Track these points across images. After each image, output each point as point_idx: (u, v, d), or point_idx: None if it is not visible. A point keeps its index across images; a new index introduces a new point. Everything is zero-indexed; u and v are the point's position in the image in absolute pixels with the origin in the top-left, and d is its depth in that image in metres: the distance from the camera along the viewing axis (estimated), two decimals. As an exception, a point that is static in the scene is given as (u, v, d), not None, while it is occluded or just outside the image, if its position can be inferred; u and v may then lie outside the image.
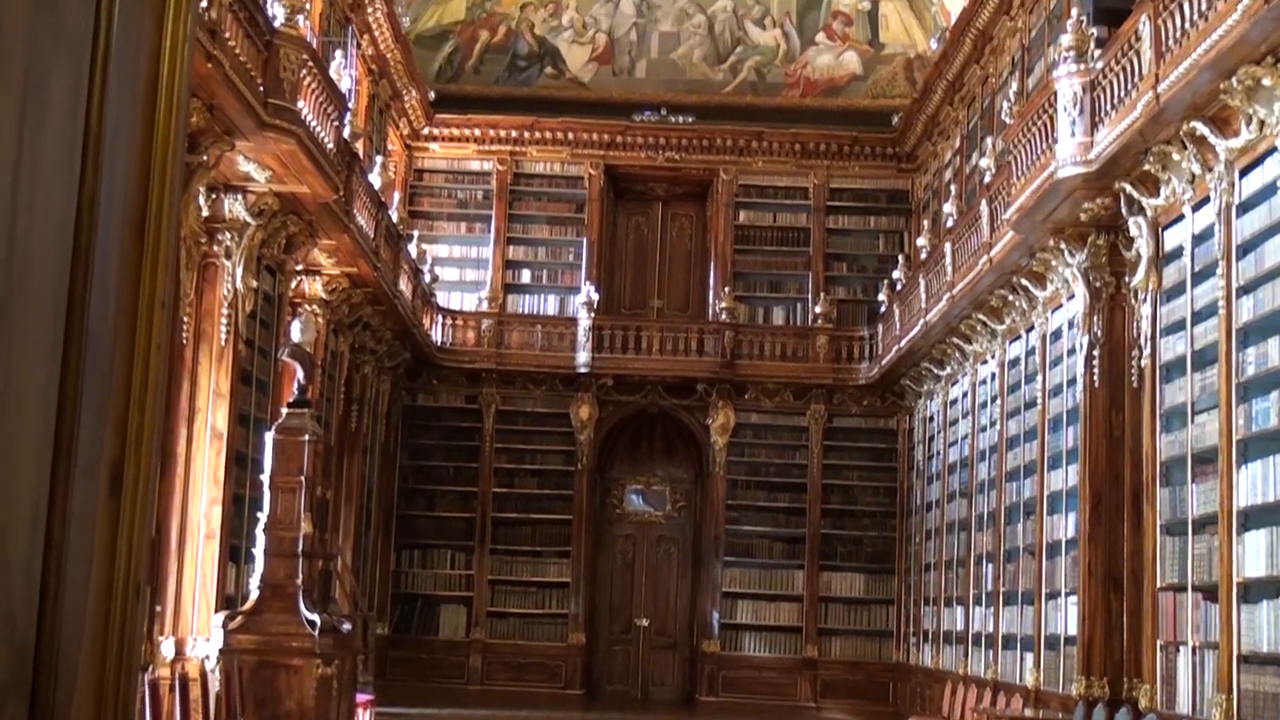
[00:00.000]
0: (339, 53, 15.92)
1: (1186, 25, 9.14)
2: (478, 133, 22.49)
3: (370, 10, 18.33)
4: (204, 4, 10.02)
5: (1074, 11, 11.81)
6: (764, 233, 22.71)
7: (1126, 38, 10.19)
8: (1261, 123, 8.81)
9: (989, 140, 15.97)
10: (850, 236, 22.63)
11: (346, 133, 14.91)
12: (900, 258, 20.86)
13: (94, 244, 1.52)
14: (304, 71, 12.06)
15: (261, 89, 11.36)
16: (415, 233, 20.77)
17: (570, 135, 22.52)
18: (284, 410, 11.34)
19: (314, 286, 15.78)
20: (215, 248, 12.30)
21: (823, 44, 22.72)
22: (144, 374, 1.61)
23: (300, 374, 11.43)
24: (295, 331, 11.94)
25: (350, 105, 15.65)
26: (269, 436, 11.18)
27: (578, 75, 22.97)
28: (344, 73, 15.42)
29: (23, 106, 1.38)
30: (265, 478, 11.00)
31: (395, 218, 18.59)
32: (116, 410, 1.58)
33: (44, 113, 1.42)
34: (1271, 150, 8.82)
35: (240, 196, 12.38)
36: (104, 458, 1.55)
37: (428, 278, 20.91)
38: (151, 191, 1.63)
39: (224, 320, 12.24)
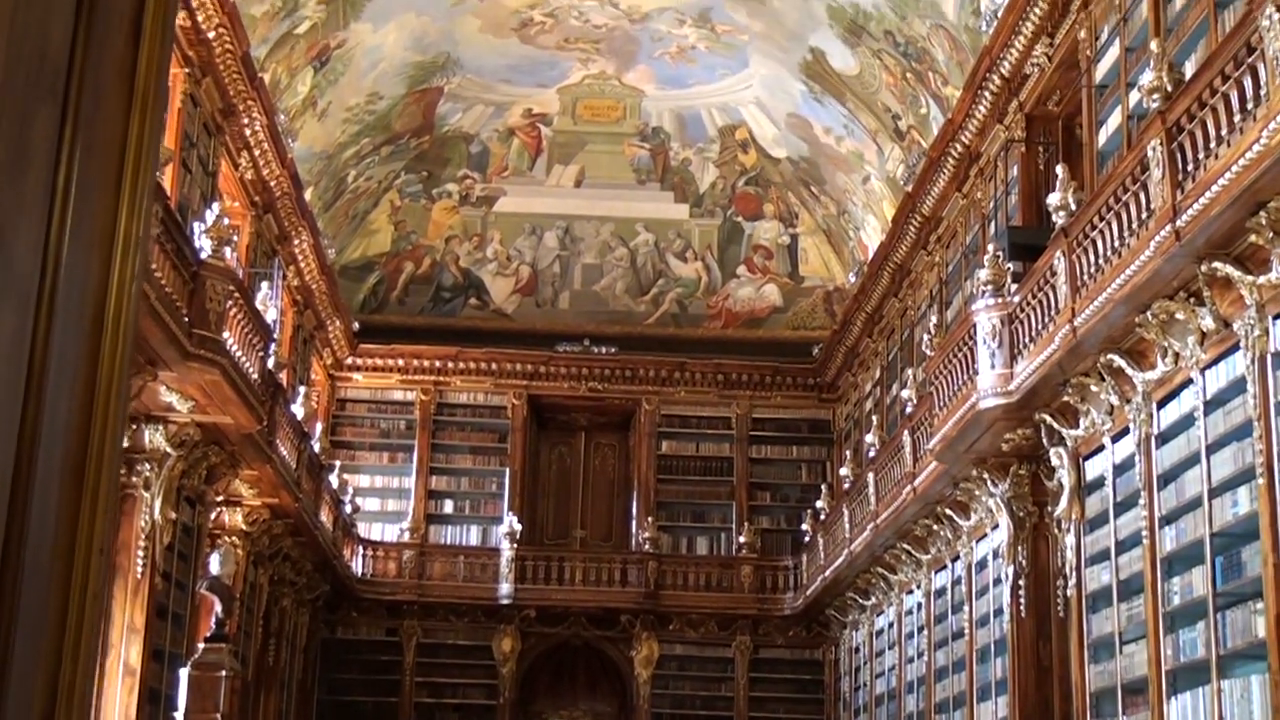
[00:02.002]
0: (265, 284, 15.98)
1: (1100, 261, 9.36)
2: (401, 363, 22.54)
3: (297, 242, 18.47)
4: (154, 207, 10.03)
5: (990, 247, 12.10)
6: (687, 462, 22.75)
7: (1042, 272, 10.42)
8: (1177, 355, 8.98)
9: (909, 371, 16.19)
10: (773, 466, 22.71)
11: (271, 363, 14.87)
12: (823, 487, 20.92)
13: (32, 486, 1.47)
14: (230, 303, 12.06)
15: (187, 319, 11.34)
16: (337, 463, 20.63)
17: (494, 365, 22.62)
18: (200, 645, 11.06)
19: (234, 518, 15.56)
20: (134, 479, 12.11)
21: (744, 277, 23.11)
22: (78, 623, 1.55)
23: (218, 608, 11.19)
24: (214, 564, 11.73)
25: (275, 336, 15.66)
26: (184, 673, 10.88)
27: (501, 306, 23.18)
28: (270, 303, 15.46)
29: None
30: (179, 716, 10.67)
31: (317, 448, 18.47)
32: (47, 661, 1.51)
33: (-13, 354, 1.39)
34: (1187, 382, 8.97)
35: (161, 427, 12.25)
36: (33, 713, 1.48)
37: (349, 508, 20.70)
38: (93, 432, 1.59)
39: (140, 553, 11.99)
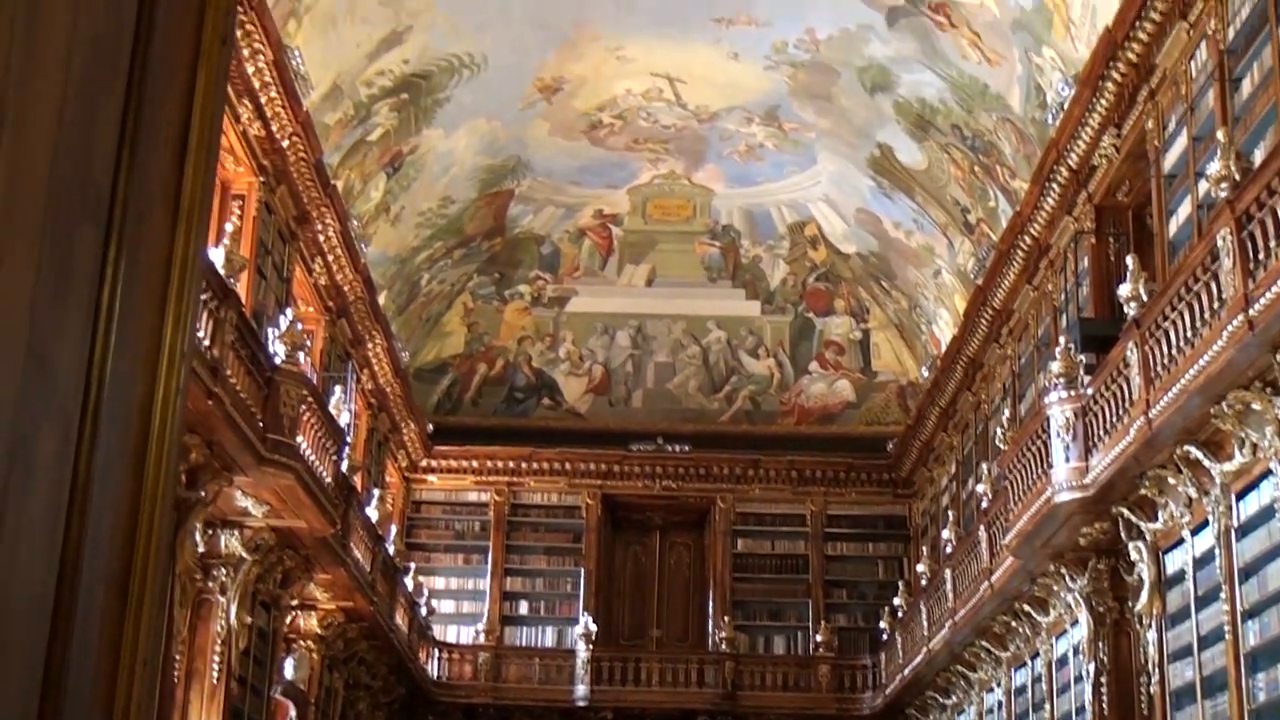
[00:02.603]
0: (339, 388, 16.12)
1: (1173, 351, 9.27)
2: (475, 464, 22.61)
3: (371, 346, 18.65)
4: (206, 343, 10.18)
5: (1062, 339, 12.02)
6: (762, 560, 22.60)
7: (1115, 364, 10.33)
8: (1255, 446, 8.84)
9: (984, 466, 16.04)
10: (849, 563, 22.51)
11: (345, 467, 14.97)
12: (900, 584, 20.69)
13: (76, 603, 1.48)
14: (303, 407, 12.18)
15: (261, 425, 11.45)
16: (412, 565, 20.64)
17: (567, 465, 22.64)
18: (275, 751, 11.05)
19: (309, 621, 15.59)
20: (210, 584, 12.18)
21: (816, 372, 23.07)
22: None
23: (293, 712, 11.19)
24: (289, 669, 11.75)
25: (349, 439, 15.77)
26: (259, 779, 10.87)
27: (574, 406, 23.24)
28: (343, 407, 15.59)
29: (7, 468, 1.36)
30: (254, 822, 10.65)
31: (392, 550, 18.51)
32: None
33: (30, 473, 1.40)
34: (1267, 473, 8.82)
35: (236, 531, 12.34)
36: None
37: (424, 610, 20.69)
38: (137, 548, 1.60)
39: (216, 658, 12.04)
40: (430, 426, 22.14)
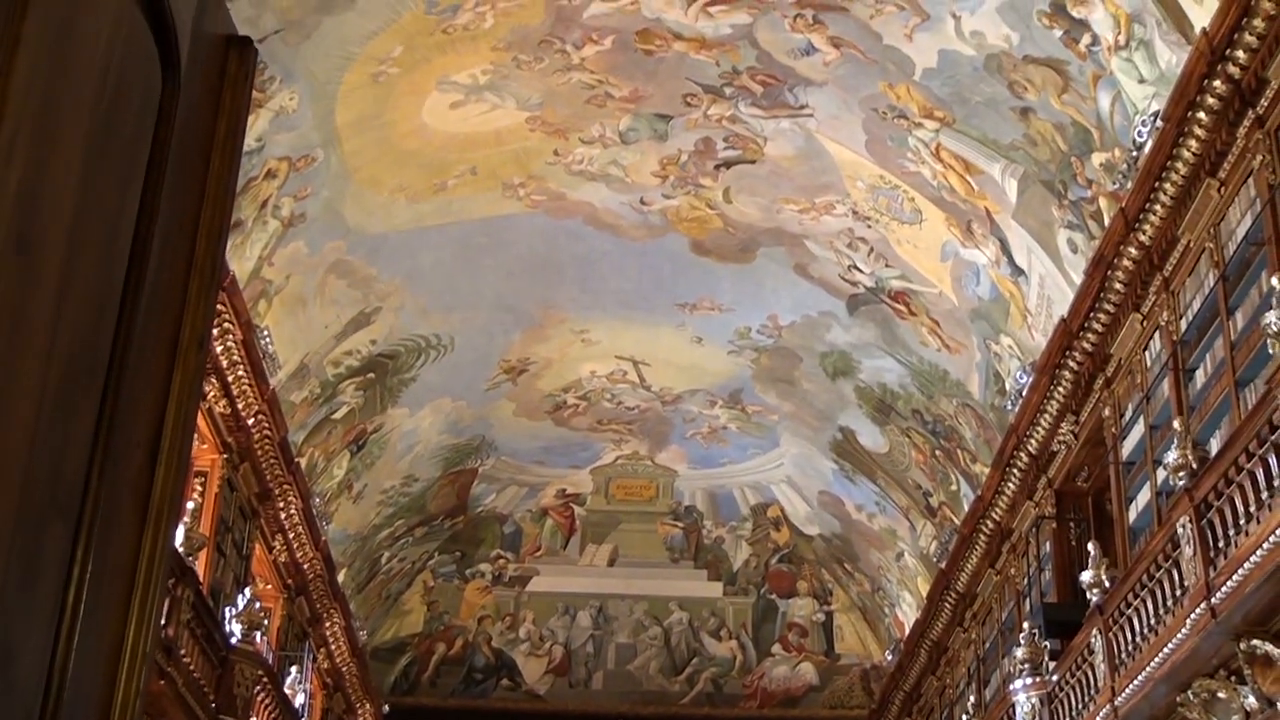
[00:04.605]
0: (294, 668, 15.84)
1: (1137, 639, 9.24)
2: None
3: (329, 624, 18.39)
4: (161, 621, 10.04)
5: (1025, 624, 11.97)
6: None
7: (1079, 651, 10.28)
8: (1224, 747, 8.75)
9: (950, 754, 15.77)
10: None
11: (297, 749, 14.61)
12: None
13: None
14: (258, 688, 11.96)
15: (214, 706, 11.21)
16: None
17: (526, 750, 22.12)
18: None
19: None
20: None
21: (779, 655, 22.82)
22: None
23: None
24: None
25: (303, 720, 15.43)
26: None
27: (534, 687, 22.86)
28: (299, 688, 15.30)
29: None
30: None
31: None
32: None
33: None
34: (1237, 760, 8.71)
35: (183, 818, 11.95)
36: None
37: None
38: None
39: None
40: (386, 708, 21.66)
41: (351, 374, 17.12)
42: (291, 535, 16.28)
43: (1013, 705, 11.30)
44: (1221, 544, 8.03)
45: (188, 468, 1.76)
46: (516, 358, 18.94)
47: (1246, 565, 7.61)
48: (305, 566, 16.96)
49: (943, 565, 16.90)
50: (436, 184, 15.31)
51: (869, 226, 15.27)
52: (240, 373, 13.33)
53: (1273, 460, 7.37)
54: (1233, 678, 8.46)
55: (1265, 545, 7.40)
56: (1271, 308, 7.49)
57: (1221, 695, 8.58)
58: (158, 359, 1.71)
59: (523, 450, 21.40)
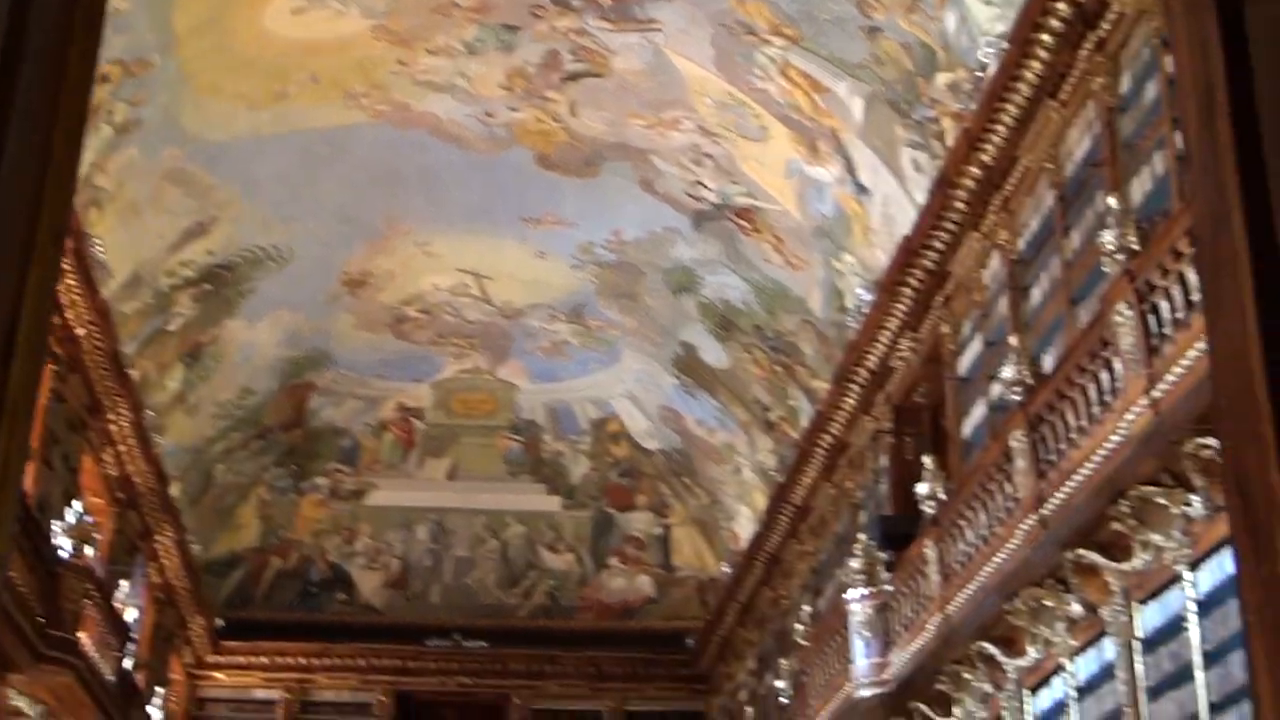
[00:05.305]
0: (125, 582, 15.57)
1: (970, 549, 9.48)
2: (264, 661, 21.90)
3: (160, 539, 18.09)
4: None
5: (861, 536, 12.20)
6: (560, 759, 22.20)
7: (914, 561, 10.52)
8: (1047, 642, 9.04)
9: (783, 661, 16.08)
10: (648, 760, 22.23)
11: (129, 664, 14.41)
12: (699, 782, 20.48)
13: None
14: (87, 602, 11.74)
15: (42, 620, 10.98)
16: (196, 767, 19.80)
17: (361, 661, 22.07)
18: None
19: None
20: (-20, 789, 11.54)
21: (616, 568, 23.01)
22: None
23: None
24: None
25: (133, 635, 15.21)
26: None
27: (370, 601, 22.78)
28: (129, 602, 15.07)
29: None
30: None
31: (176, 752, 17.75)
32: None
33: None
34: (1058, 669, 9.01)
35: (10, 733, 11.74)
36: None
37: (208, 815, 19.78)
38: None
39: None
40: (219, 622, 21.44)
41: (187, 284, 16.77)
42: (123, 448, 15.94)
43: (847, 615, 11.53)
44: (1053, 458, 8.24)
45: (42, 366, 1.69)
46: (357, 270, 18.71)
47: (1076, 478, 7.84)
48: (136, 480, 16.64)
49: (780, 479, 17.13)
50: (277, 92, 14.99)
51: (715, 143, 15.31)
52: (69, 281, 12.94)
53: (1104, 376, 7.58)
54: (1059, 586, 8.73)
55: (1094, 459, 7.62)
56: (1107, 227, 7.66)
57: (1048, 603, 8.86)
58: (13, 254, 1.63)
59: (362, 363, 21.19)
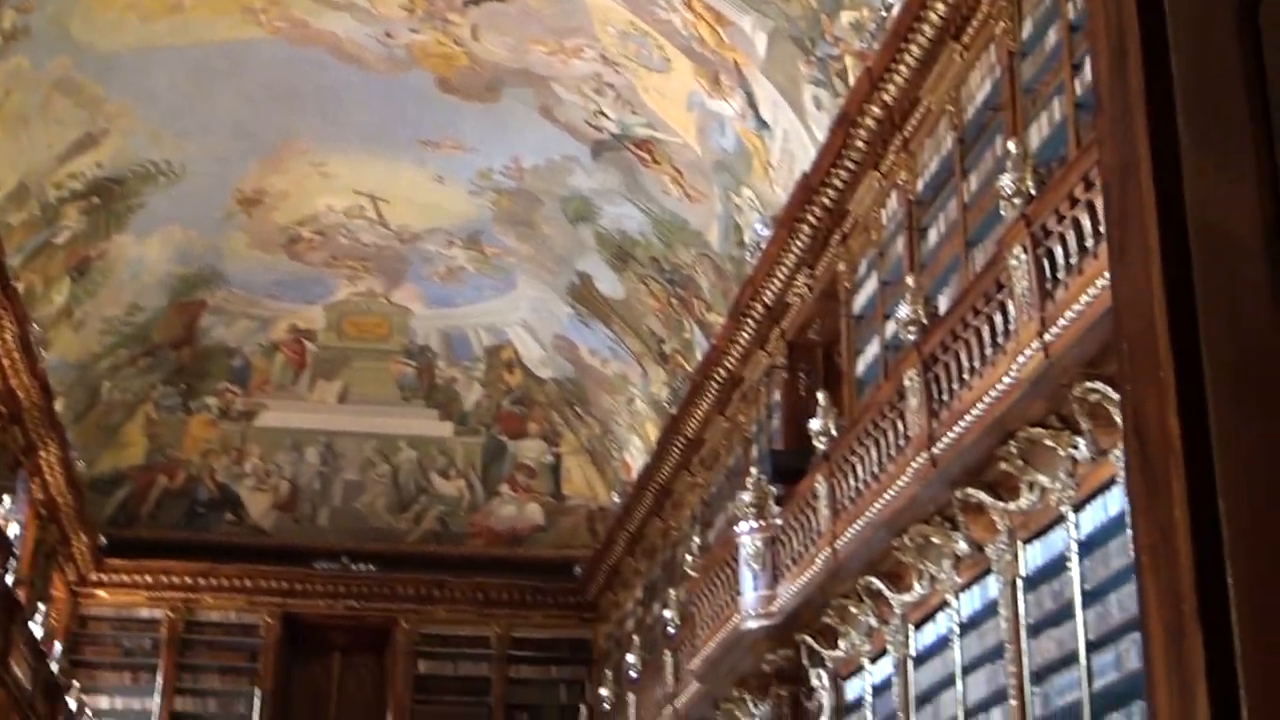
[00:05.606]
0: (7, 497, 15.36)
1: (860, 486, 9.62)
2: (149, 579, 21.72)
3: (44, 454, 17.83)
4: None
5: (753, 470, 12.33)
6: (444, 682, 22.29)
7: (804, 496, 10.65)
8: (933, 579, 9.22)
9: (671, 592, 16.24)
10: (531, 687, 22.38)
11: (9, 580, 14.23)
12: (582, 707, 20.67)
13: None
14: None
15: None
16: (75, 684, 19.64)
17: (248, 583, 21.95)
18: None
19: (-37, 745, 14.67)
20: None
21: (506, 495, 23.05)
22: None
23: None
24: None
25: (15, 551, 15.02)
26: None
27: (258, 522, 22.65)
28: (11, 517, 14.87)
29: None
30: None
31: (55, 668, 17.60)
32: None
33: None
34: (943, 605, 9.20)
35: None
36: None
37: (87, 733, 19.66)
38: None
39: None
40: (103, 540, 21.22)
41: (75, 197, 16.46)
42: (6, 362, 15.67)
43: (736, 547, 11.65)
44: (945, 397, 8.37)
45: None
46: (251, 188, 18.46)
47: (967, 418, 7.97)
48: (20, 394, 16.37)
49: (673, 411, 17.24)
50: (171, 3, 14.70)
51: (617, 73, 15.25)
52: (-44, 189, 12.66)
53: (998, 318, 7.70)
54: (947, 524, 8.90)
55: (986, 400, 7.75)
56: (1006, 171, 7.75)
57: (935, 540, 9.03)
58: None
59: (255, 283, 20.94)
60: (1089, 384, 6.98)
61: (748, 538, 11.47)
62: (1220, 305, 1.32)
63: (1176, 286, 1.42)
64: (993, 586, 8.43)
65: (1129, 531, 6.81)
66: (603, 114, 15.97)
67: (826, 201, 12.03)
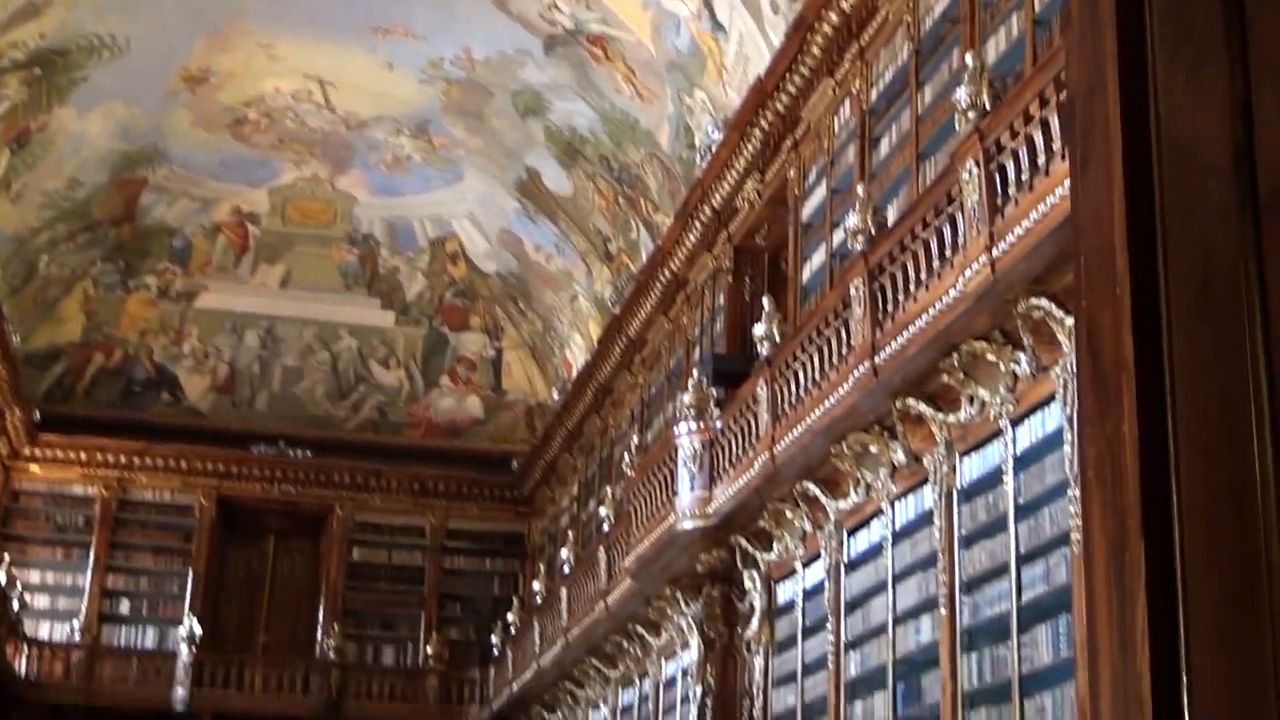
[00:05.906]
0: (-57, 368, 15.22)
1: (801, 392, 9.67)
2: (83, 456, 21.63)
3: (-20, 327, 17.67)
4: None
5: (694, 372, 12.36)
6: (378, 570, 22.42)
7: (745, 400, 10.69)
8: (869, 487, 9.31)
9: (608, 489, 16.33)
10: (465, 577, 22.55)
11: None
12: (515, 600, 20.83)
13: None
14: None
15: None
16: (6, 556, 19.60)
17: (183, 463, 21.91)
18: None
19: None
20: None
21: (446, 387, 23.05)
22: None
23: None
24: None
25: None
26: None
27: (196, 404, 22.56)
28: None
29: None
30: None
31: (-12, 542, 17.54)
32: None
33: None
34: (877, 513, 9.29)
35: None
36: None
37: (15, 605, 19.65)
38: None
39: None
40: (37, 414, 21.09)
41: (15, 67, 16.16)
42: (-55, 231, 15.46)
43: (675, 447, 11.70)
44: (890, 308, 8.40)
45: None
46: (197, 66, 18.17)
47: (911, 329, 8.01)
48: (-42, 265, 16.18)
49: (616, 310, 17.24)
50: None
51: (574, -35, 15.07)
52: (-104, 52, 12.41)
53: (946, 231, 7.72)
54: (886, 433, 8.97)
55: (930, 311, 7.79)
56: (961, 84, 7.74)
57: (873, 449, 9.10)
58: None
59: (198, 163, 20.68)
60: (1034, 300, 7.03)
61: (686, 439, 11.52)
62: (1185, 225, 1.33)
63: (1138, 204, 1.42)
64: (928, 497, 8.52)
65: (1065, 448, 6.91)
66: (556, 7, 15.79)
67: (779, 107, 11.98)
